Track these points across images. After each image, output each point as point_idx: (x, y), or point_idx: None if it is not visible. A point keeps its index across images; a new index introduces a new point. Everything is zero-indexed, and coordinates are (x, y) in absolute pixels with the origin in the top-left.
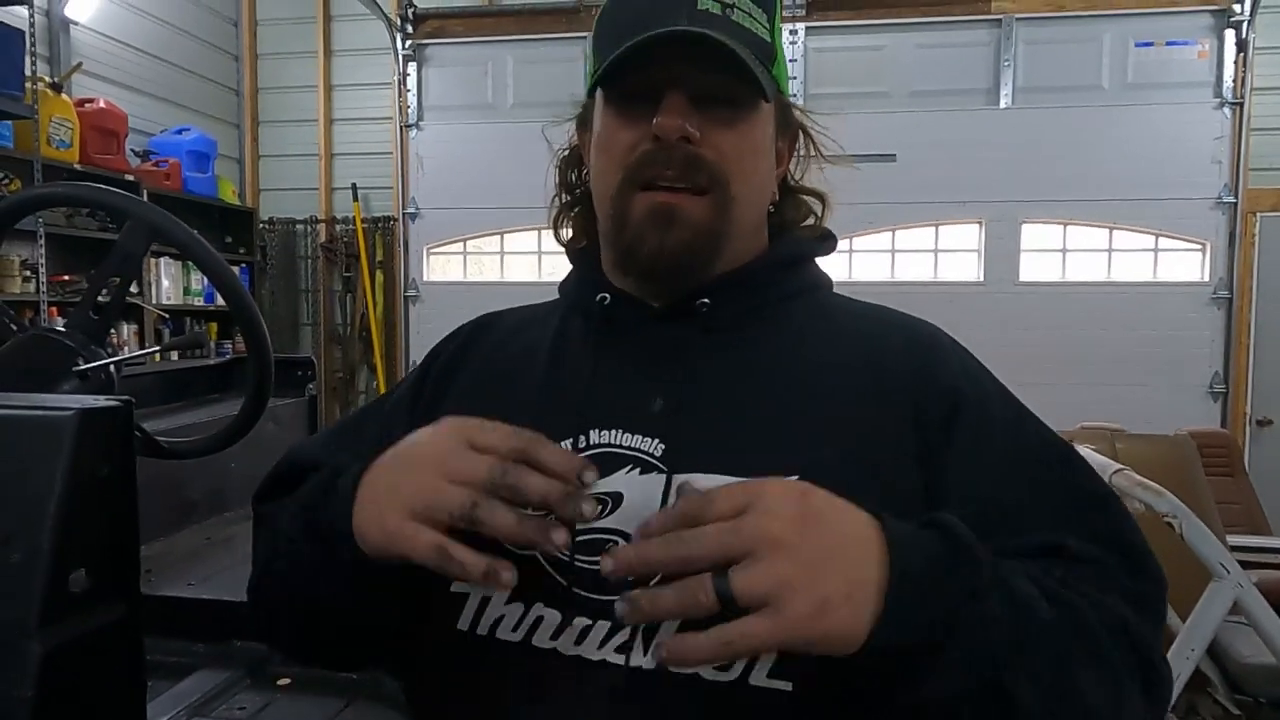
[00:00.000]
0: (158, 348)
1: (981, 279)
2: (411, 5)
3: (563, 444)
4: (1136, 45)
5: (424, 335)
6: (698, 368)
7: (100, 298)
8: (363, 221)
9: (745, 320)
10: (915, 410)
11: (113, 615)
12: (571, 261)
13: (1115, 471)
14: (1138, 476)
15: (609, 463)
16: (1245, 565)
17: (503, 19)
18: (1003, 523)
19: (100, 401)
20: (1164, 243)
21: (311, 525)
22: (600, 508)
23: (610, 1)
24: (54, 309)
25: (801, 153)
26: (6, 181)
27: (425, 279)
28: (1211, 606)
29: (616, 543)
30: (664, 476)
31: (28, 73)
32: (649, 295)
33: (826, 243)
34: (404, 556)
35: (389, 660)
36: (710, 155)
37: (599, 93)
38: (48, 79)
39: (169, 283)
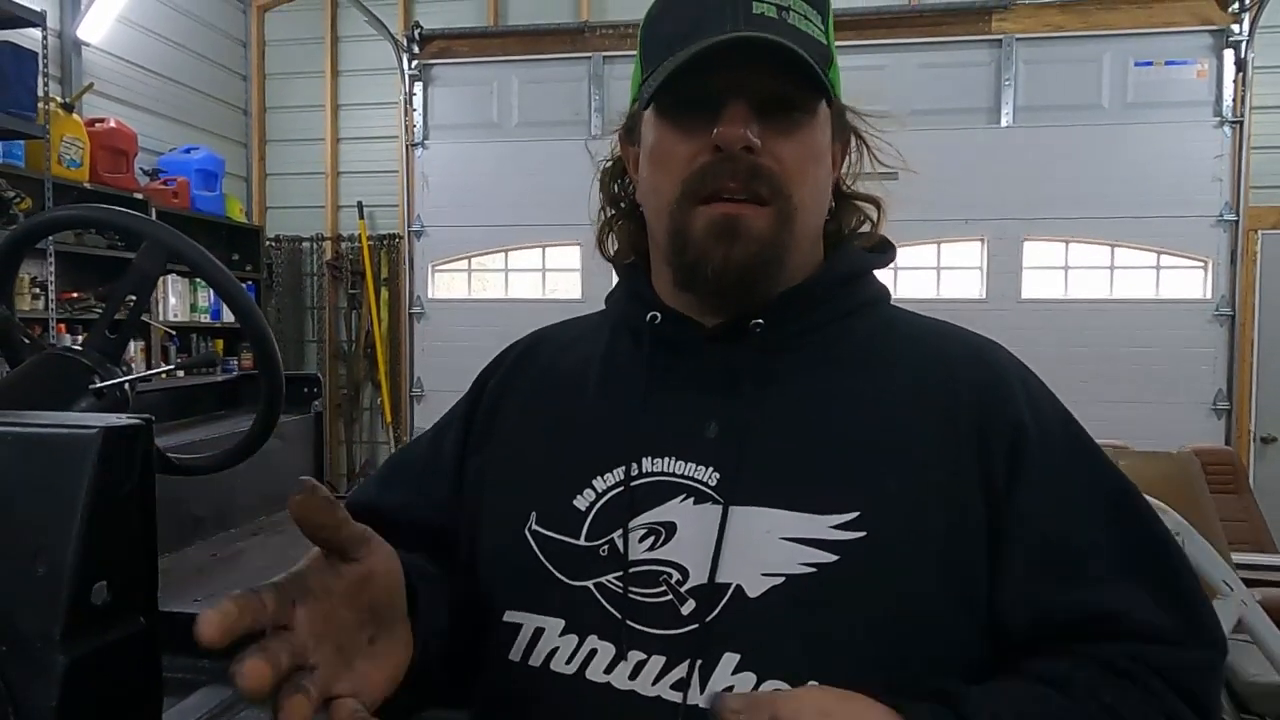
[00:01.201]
0: (173, 366)
1: (984, 296)
2: (418, 26)
3: (615, 472)
4: (1136, 65)
5: (429, 352)
6: (754, 392)
7: (116, 316)
8: (368, 239)
9: (803, 340)
10: (979, 439)
11: (132, 628)
12: (619, 276)
13: None
14: None
15: (662, 492)
16: (1249, 583)
17: (508, 39)
18: (1069, 565)
19: (122, 420)
20: (1166, 260)
21: None
22: (654, 537)
23: (656, 8)
24: (62, 325)
25: (853, 161)
26: (18, 200)
27: (430, 296)
28: None
29: (670, 575)
30: (720, 508)
31: (40, 93)
32: (702, 314)
33: (886, 254)
34: None
35: (448, 691)
36: (771, 165)
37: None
38: (59, 99)
39: (176, 300)
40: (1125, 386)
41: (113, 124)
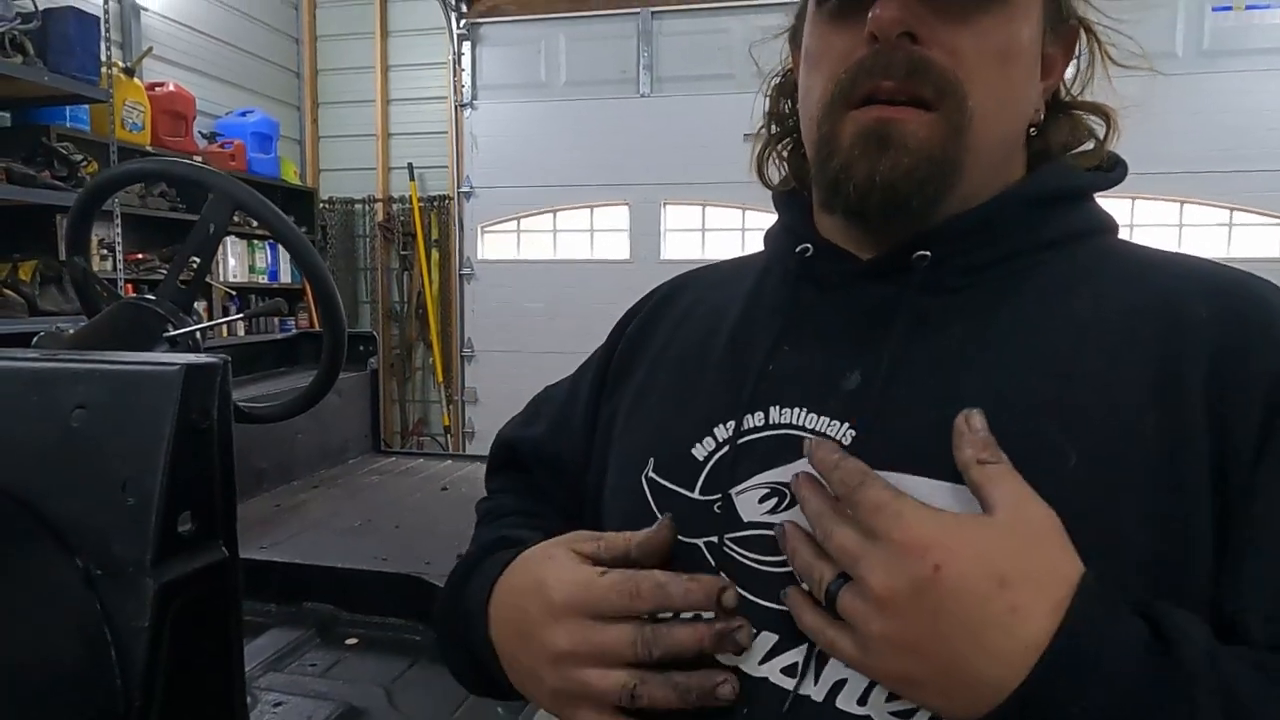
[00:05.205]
0: (241, 315)
1: None
2: None
3: (744, 420)
4: (1214, 10)
5: (479, 313)
6: (910, 338)
7: (182, 277)
8: (419, 201)
9: (983, 277)
10: (1219, 396)
11: (215, 557)
12: (776, 207)
13: None
14: None
15: (788, 447)
16: None
17: None
18: None
19: (202, 359)
20: (1239, 217)
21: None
22: (777, 499)
23: None
24: (130, 286)
25: (1081, 67)
26: (85, 163)
27: (480, 257)
28: None
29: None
30: None
31: (102, 58)
32: (862, 247)
33: (1113, 172)
34: None
35: None
36: (941, 58)
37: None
38: (121, 64)
39: (235, 261)
40: None
41: (171, 88)
